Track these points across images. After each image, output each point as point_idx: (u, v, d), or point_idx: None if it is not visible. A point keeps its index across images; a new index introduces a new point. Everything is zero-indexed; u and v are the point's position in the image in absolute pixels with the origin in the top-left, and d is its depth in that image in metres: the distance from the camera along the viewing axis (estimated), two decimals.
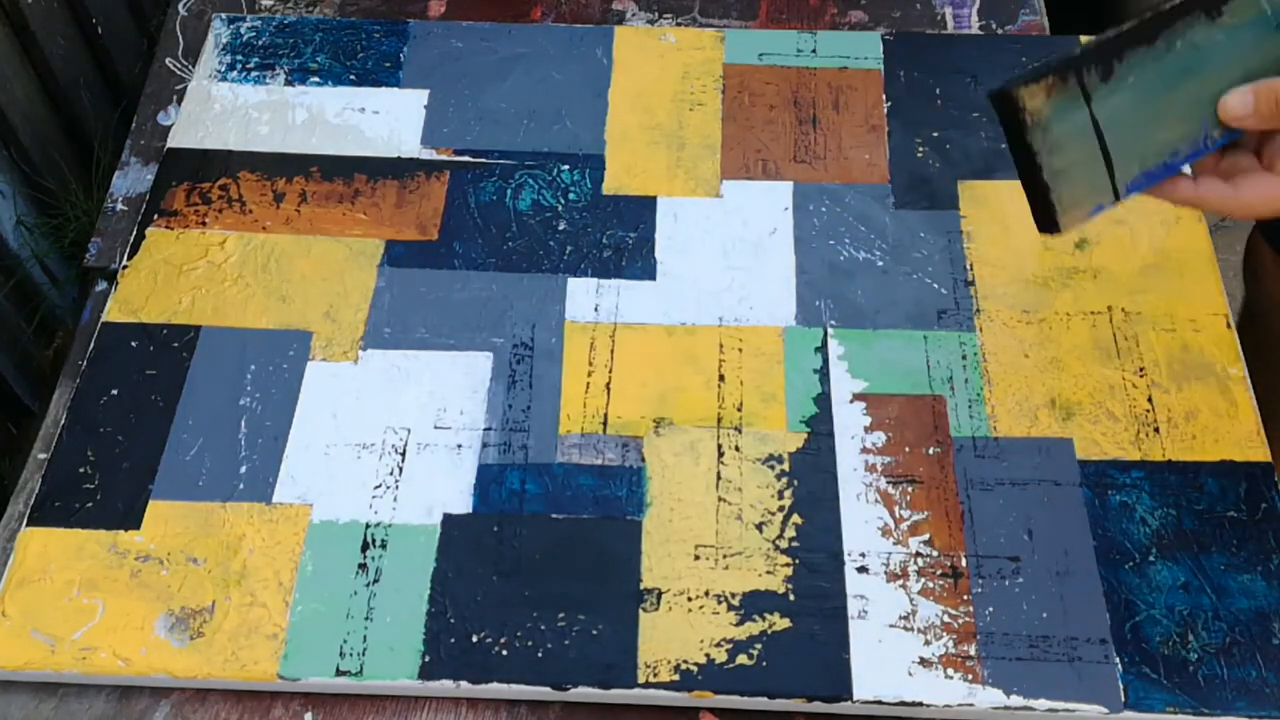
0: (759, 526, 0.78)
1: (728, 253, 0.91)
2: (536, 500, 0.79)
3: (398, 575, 0.77)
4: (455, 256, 0.91)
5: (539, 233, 0.92)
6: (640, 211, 0.93)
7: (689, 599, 0.75)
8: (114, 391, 0.84)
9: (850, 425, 0.82)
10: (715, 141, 0.97)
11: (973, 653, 0.73)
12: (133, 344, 0.86)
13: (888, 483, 0.80)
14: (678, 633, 0.74)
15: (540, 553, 0.77)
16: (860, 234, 0.92)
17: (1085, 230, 0.91)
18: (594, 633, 0.74)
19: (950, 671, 0.73)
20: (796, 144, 0.97)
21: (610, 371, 0.85)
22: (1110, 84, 0.63)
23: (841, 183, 0.94)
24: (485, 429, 0.82)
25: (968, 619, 0.75)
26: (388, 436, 0.82)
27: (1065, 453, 0.81)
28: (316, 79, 1.01)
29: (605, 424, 0.82)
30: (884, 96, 0.99)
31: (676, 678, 0.73)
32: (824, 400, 0.83)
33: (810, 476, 0.80)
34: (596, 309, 0.88)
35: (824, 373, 0.85)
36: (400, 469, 0.81)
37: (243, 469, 0.81)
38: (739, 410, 0.83)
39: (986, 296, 0.88)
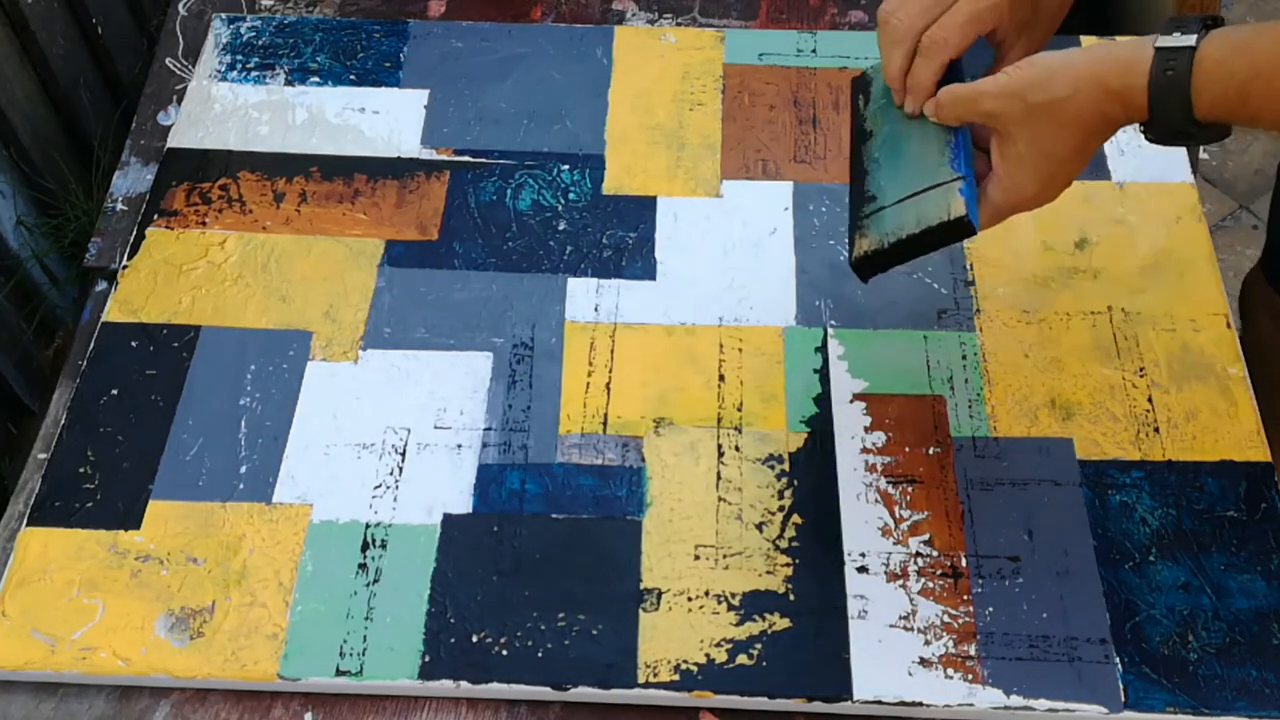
0: (759, 526, 0.78)
1: (728, 253, 0.91)
2: (536, 500, 0.79)
3: (398, 575, 0.77)
4: (455, 256, 0.91)
5: (539, 233, 0.92)
6: (640, 211, 0.93)
7: (689, 599, 0.75)
8: (114, 391, 0.84)
9: (850, 425, 0.82)
10: (715, 141, 0.97)
11: (973, 653, 0.73)
12: (133, 344, 0.86)
13: (888, 483, 0.80)
14: (678, 633, 0.74)
15: (540, 553, 0.77)
16: None
17: (1085, 230, 0.91)
18: (594, 633, 0.74)
19: (950, 671, 0.73)
20: (796, 144, 0.97)
21: (610, 371, 0.85)
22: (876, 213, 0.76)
23: (841, 183, 0.94)
24: (485, 429, 0.82)
25: (968, 619, 0.75)
26: (388, 436, 0.82)
27: (1065, 453, 0.81)
28: (316, 79, 1.01)
29: (605, 424, 0.82)
30: None
31: (676, 678, 0.73)
32: (824, 400, 0.83)
33: (810, 476, 0.80)
34: (596, 309, 0.88)
35: (824, 373, 0.85)
36: (400, 469, 0.81)
37: (243, 469, 0.81)
38: (739, 410, 0.83)
39: (986, 296, 0.88)
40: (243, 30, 1.05)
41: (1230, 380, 0.84)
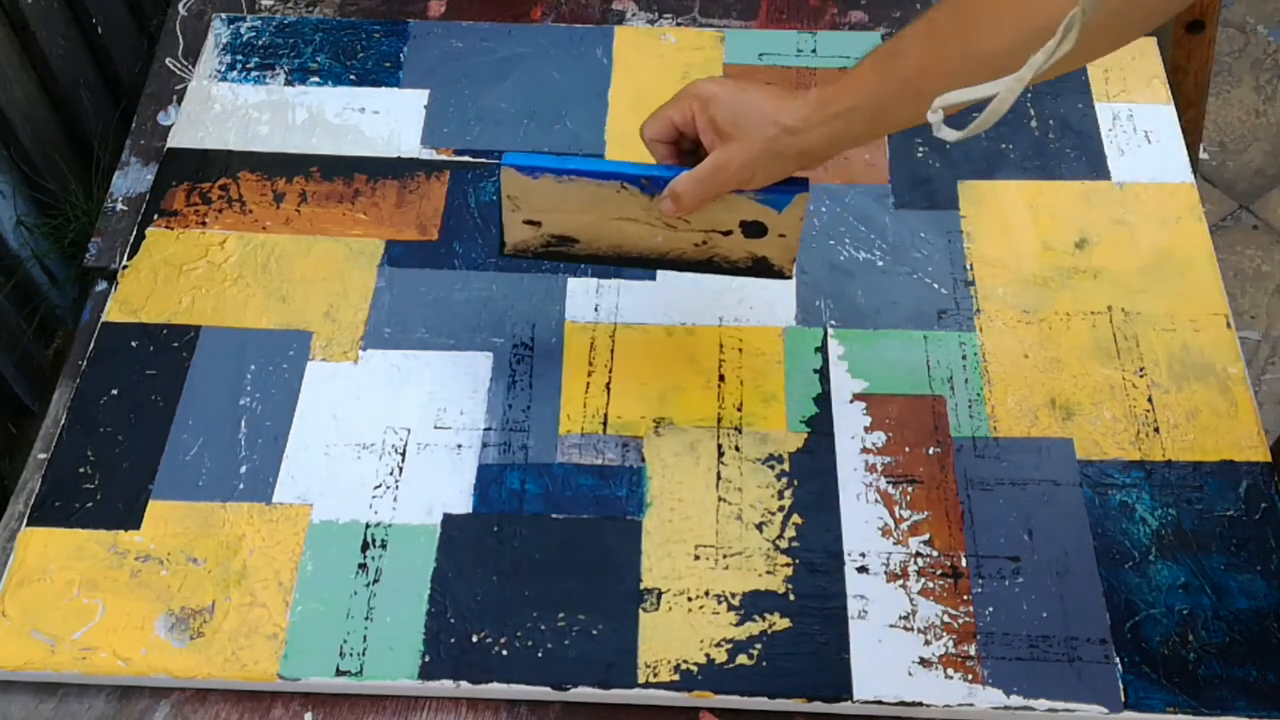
0: (759, 526, 0.78)
1: None
2: (536, 500, 0.79)
3: (398, 575, 0.77)
4: (455, 256, 0.91)
5: None
6: None
7: (689, 599, 0.75)
8: (114, 391, 0.84)
9: (850, 425, 0.82)
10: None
11: (973, 653, 0.73)
12: (133, 344, 0.86)
13: (888, 483, 0.80)
14: (678, 633, 0.74)
15: (540, 553, 0.77)
16: (860, 234, 0.92)
17: (1085, 230, 0.91)
18: (594, 633, 0.74)
19: (950, 671, 0.73)
20: None
21: (610, 371, 0.85)
22: None
23: (841, 183, 0.94)
24: (485, 429, 0.82)
25: (968, 619, 0.75)
26: (388, 436, 0.82)
27: (1065, 453, 0.81)
28: (316, 79, 1.01)
29: (605, 424, 0.82)
30: None
31: (676, 678, 0.73)
32: (824, 400, 0.83)
33: (810, 476, 0.80)
34: (596, 309, 0.88)
35: (824, 373, 0.85)
36: (400, 469, 0.81)
37: (243, 469, 0.81)
38: (739, 410, 0.83)
39: (986, 296, 0.88)
40: (243, 30, 1.05)
41: (1230, 380, 0.84)
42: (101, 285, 0.93)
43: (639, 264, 0.81)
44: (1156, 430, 0.82)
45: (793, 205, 0.75)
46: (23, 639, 0.74)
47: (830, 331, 0.87)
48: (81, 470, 0.81)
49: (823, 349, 0.86)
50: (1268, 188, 1.71)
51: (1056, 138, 0.97)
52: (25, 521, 0.79)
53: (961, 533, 0.78)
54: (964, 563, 0.76)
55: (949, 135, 0.62)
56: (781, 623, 0.75)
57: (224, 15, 1.06)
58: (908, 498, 0.79)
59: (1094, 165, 0.95)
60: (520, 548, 0.78)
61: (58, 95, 1.28)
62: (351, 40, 1.04)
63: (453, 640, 0.74)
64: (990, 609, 0.75)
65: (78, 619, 0.75)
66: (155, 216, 0.93)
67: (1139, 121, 0.98)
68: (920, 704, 0.72)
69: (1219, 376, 0.84)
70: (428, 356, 0.86)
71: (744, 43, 1.03)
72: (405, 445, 0.82)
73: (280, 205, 0.93)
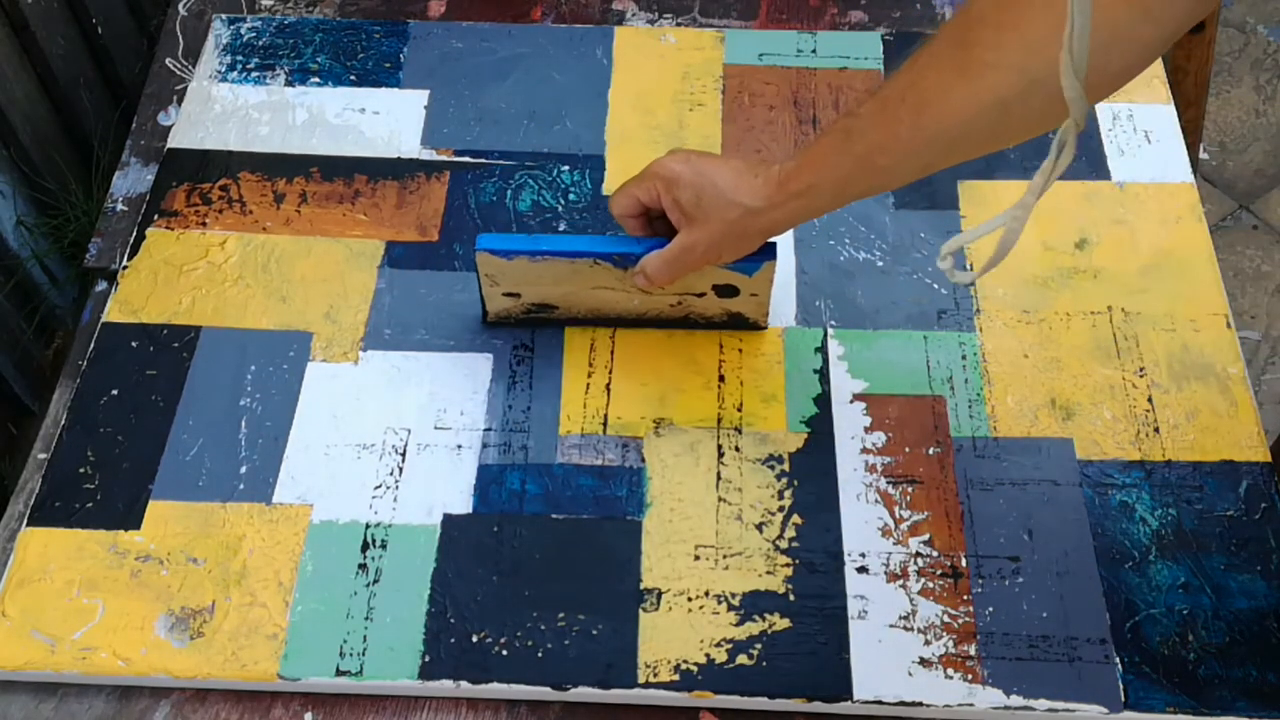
0: (759, 527, 0.78)
1: None
2: (536, 500, 0.79)
3: (398, 575, 0.77)
4: (455, 257, 0.91)
5: (539, 233, 0.92)
6: None
7: (689, 599, 0.75)
8: (114, 391, 0.84)
9: (850, 425, 0.82)
10: (715, 142, 0.97)
11: (973, 653, 0.73)
12: (133, 344, 0.86)
13: (888, 483, 0.80)
14: (678, 633, 0.74)
15: (540, 553, 0.77)
16: (860, 234, 0.92)
17: (1085, 230, 0.91)
18: (594, 633, 0.74)
19: (950, 671, 0.73)
20: (796, 144, 0.97)
21: (610, 372, 0.85)
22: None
23: None
24: (485, 429, 0.82)
25: (968, 619, 0.75)
26: (388, 437, 0.82)
27: (1065, 453, 0.81)
28: (316, 79, 1.01)
29: (605, 424, 0.82)
30: None
31: (676, 678, 0.73)
32: (824, 400, 0.83)
33: (810, 477, 0.80)
34: None
35: (824, 373, 0.85)
36: (400, 469, 0.81)
37: (243, 469, 0.81)
38: (739, 410, 0.83)
39: (986, 296, 0.88)
40: (243, 31, 1.05)
41: (1230, 380, 0.84)
42: (101, 285, 0.93)
43: (618, 324, 0.86)
44: (1156, 430, 0.82)
45: (762, 270, 0.80)
46: (23, 639, 0.74)
47: (830, 332, 0.87)
48: (81, 470, 0.81)
49: (823, 349, 0.86)
50: (1268, 188, 1.71)
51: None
52: (25, 521, 0.79)
53: (961, 533, 0.78)
54: (964, 563, 0.77)
55: (965, 279, 0.61)
56: (781, 623, 0.75)
57: (224, 16, 1.06)
58: (908, 498, 0.79)
59: (1094, 165, 0.95)
60: (520, 548, 0.78)
61: (58, 95, 1.28)
62: (351, 41, 1.04)
63: (453, 640, 0.74)
64: (990, 609, 0.75)
65: (78, 619, 0.75)
66: (155, 217, 0.93)
67: (1139, 121, 0.98)
68: (920, 704, 0.72)
69: (1219, 376, 0.84)
70: (428, 357, 0.86)
71: (744, 43, 1.03)
72: (405, 446, 0.82)
73: (280, 206, 0.93)
